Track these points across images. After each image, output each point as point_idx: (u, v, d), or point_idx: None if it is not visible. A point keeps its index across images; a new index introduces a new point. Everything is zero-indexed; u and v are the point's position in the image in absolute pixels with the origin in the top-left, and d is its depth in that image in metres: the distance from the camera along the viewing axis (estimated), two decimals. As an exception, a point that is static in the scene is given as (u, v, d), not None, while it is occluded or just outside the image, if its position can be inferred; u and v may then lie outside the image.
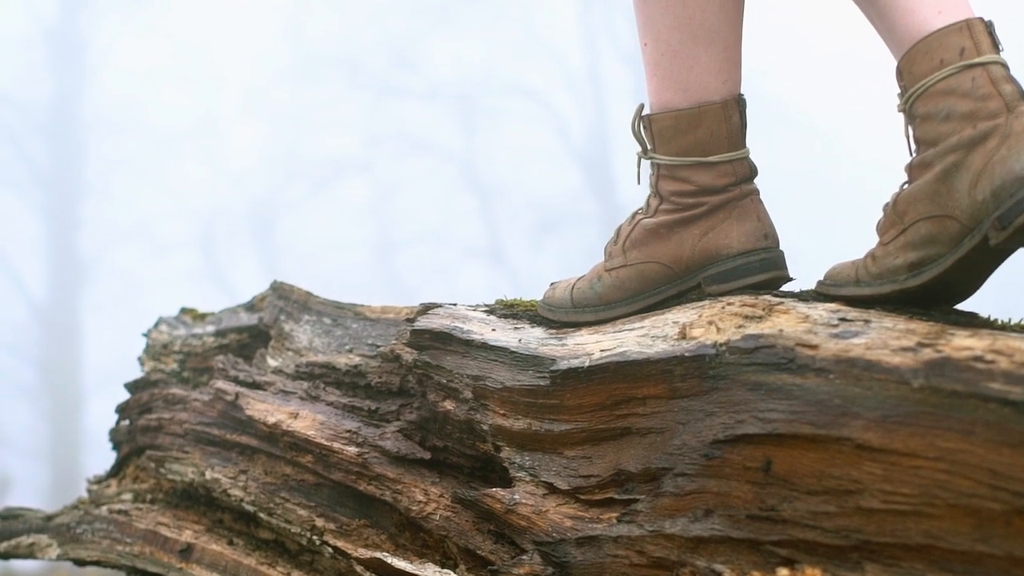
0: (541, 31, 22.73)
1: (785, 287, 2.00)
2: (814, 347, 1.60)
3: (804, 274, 2.04)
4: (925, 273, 1.76)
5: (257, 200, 23.99)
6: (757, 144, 2.10)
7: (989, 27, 1.83)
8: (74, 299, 21.93)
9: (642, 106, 2.08)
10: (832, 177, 21.73)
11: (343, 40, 23.52)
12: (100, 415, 20.64)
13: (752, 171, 2.03)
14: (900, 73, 1.88)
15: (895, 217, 1.83)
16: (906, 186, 1.84)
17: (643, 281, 2.04)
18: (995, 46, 1.82)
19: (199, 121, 24.26)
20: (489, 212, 22.80)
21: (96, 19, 23.24)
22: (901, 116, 1.88)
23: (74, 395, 21.42)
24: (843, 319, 1.66)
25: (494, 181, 22.56)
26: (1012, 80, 1.79)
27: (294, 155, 24.07)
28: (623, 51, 21.51)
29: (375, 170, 24.65)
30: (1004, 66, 1.81)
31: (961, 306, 1.82)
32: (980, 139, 1.73)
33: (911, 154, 1.86)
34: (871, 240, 1.88)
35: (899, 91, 1.89)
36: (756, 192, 2.02)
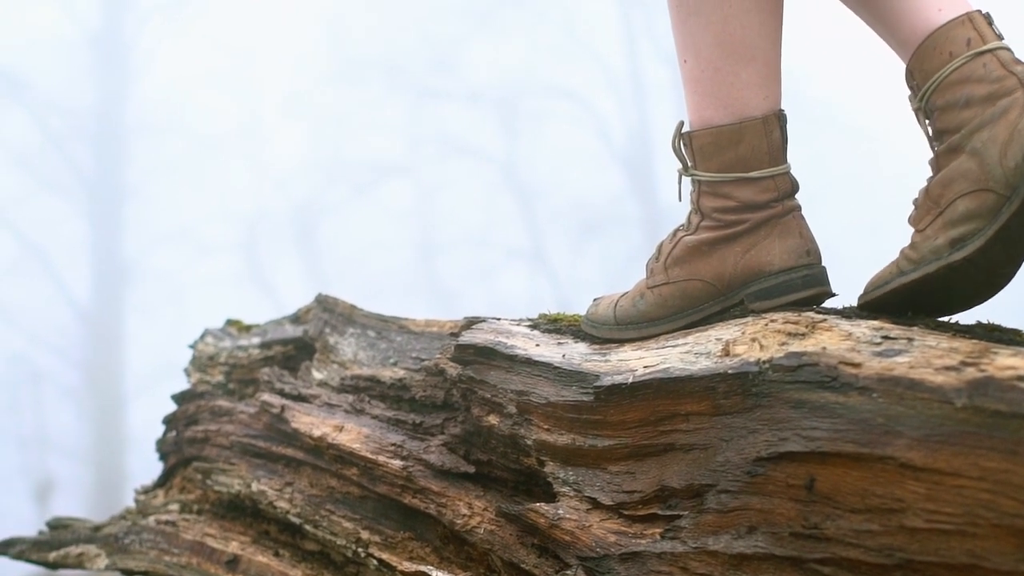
0: (582, 33, 22.71)
1: (828, 303, 2.01)
2: (857, 365, 1.60)
3: (851, 277, 2.04)
4: (969, 246, 1.79)
5: (299, 203, 24.07)
6: (800, 149, 2.11)
7: (988, 18, 1.92)
8: (117, 302, 22.04)
9: (682, 123, 2.09)
10: (877, 178, 21.63)
11: (384, 43, 23.56)
12: (143, 417, 20.81)
13: (794, 186, 2.03)
14: (911, 73, 1.96)
15: (929, 204, 1.88)
16: (933, 179, 1.90)
17: (686, 298, 2.05)
18: (998, 35, 1.90)
19: (241, 125, 24.37)
20: (530, 214, 22.79)
21: (139, 24, 23.37)
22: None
23: (117, 397, 21.53)
24: (886, 337, 1.66)
25: (535, 183, 22.55)
26: (1021, 62, 1.87)
27: (336, 158, 24.13)
28: (663, 52, 21.45)
29: (416, 173, 24.70)
30: (1010, 51, 1.89)
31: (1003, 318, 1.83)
32: (1002, 113, 1.81)
33: (933, 150, 1.93)
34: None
35: (910, 93, 1.97)
36: (798, 208, 2.02)
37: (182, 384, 3.23)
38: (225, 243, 24.02)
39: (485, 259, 23.06)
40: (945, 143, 1.90)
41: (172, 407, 3.14)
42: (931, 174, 1.94)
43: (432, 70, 23.80)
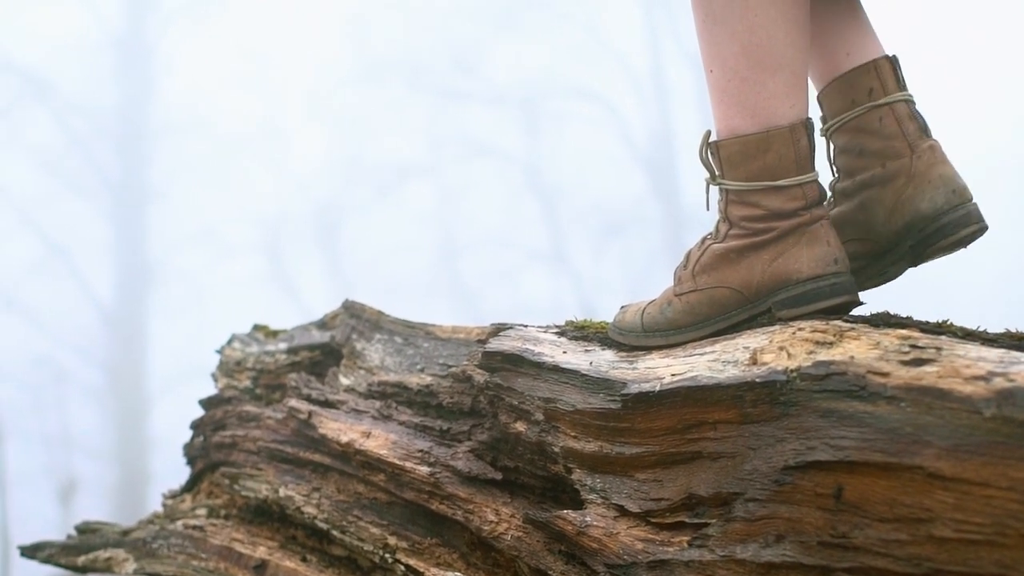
0: (604, 34, 22.72)
1: (855, 311, 2.01)
2: (885, 375, 1.60)
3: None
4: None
5: (321, 204, 24.12)
6: (821, 154, 2.12)
7: (894, 64, 2.17)
8: (141, 303, 22.12)
9: (708, 133, 2.09)
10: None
11: (406, 45, 23.60)
12: (166, 418, 20.87)
13: (822, 194, 2.03)
14: (820, 104, 2.23)
15: None
16: (833, 208, 2.20)
17: (713, 306, 2.05)
18: (900, 84, 2.16)
19: (264, 126, 24.43)
20: (552, 216, 22.80)
21: (163, 26, 23.45)
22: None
23: (140, 398, 21.60)
24: (914, 346, 1.66)
25: (557, 185, 22.57)
26: (916, 117, 2.16)
27: (358, 159, 24.17)
28: (686, 53, 21.44)
29: (438, 174, 24.73)
30: (909, 102, 2.16)
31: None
32: (890, 178, 2.12)
33: (833, 174, 2.24)
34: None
35: (821, 115, 2.24)
36: (826, 217, 2.02)
37: (205, 385, 3.24)
38: (248, 244, 24.08)
39: (507, 260, 23.08)
40: (841, 183, 2.21)
41: (195, 408, 3.15)
42: (831, 195, 2.23)
43: (454, 71, 23.84)
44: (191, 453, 3.08)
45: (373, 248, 23.87)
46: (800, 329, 1.82)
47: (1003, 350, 1.63)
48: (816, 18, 2.19)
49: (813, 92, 2.18)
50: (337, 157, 24.68)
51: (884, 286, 2.18)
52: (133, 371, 21.62)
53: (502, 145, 23.69)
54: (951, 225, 2.07)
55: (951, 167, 2.13)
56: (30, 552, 3.00)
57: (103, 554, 2.84)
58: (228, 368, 3.13)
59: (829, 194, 2.25)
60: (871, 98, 2.15)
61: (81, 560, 2.88)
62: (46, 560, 2.95)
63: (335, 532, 2.48)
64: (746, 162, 2.01)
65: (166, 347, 22.06)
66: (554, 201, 22.83)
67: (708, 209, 2.14)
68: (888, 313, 1.91)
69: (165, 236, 22.97)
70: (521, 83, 23.52)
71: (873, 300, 2.09)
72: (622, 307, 2.24)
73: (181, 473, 3.18)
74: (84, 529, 3.03)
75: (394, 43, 23.66)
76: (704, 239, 2.12)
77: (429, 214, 24.96)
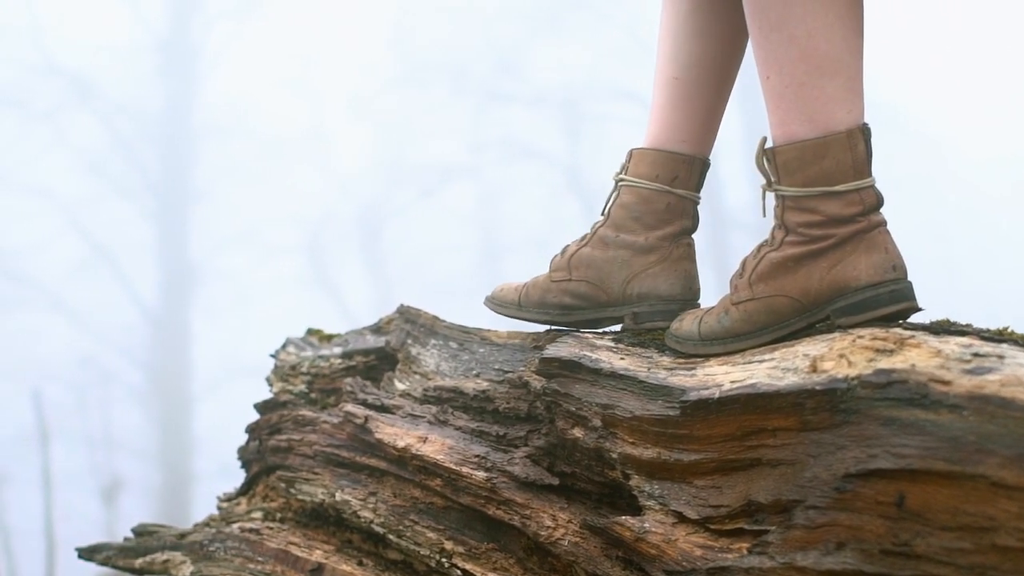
0: (645, 35, 22.63)
1: (914, 318, 2.01)
2: (947, 383, 1.60)
3: (920, 284, 2.05)
4: (573, 315, 2.45)
5: (363, 205, 24.20)
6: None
7: (706, 169, 2.45)
8: (184, 304, 22.26)
9: (764, 139, 2.09)
10: (943, 183, 21.45)
11: (449, 46, 23.63)
12: (209, 417, 20.96)
13: (879, 200, 2.03)
14: (630, 154, 2.47)
15: (565, 263, 2.49)
16: (584, 246, 2.48)
17: (771, 314, 2.05)
18: (699, 186, 2.44)
19: (307, 128, 24.55)
20: (594, 217, 22.63)
21: (206, 28, 23.59)
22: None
23: (183, 398, 21.74)
24: (976, 354, 1.66)
25: (599, 186, 22.49)
26: (693, 216, 2.44)
27: (400, 161, 24.23)
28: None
29: (480, 176, 24.76)
30: (696, 202, 2.45)
31: None
32: (645, 250, 2.40)
33: (602, 214, 2.50)
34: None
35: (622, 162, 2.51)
36: (884, 223, 2.01)
37: (247, 385, 3.26)
38: (290, 245, 24.19)
39: (548, 261, 23.09)
40: (604, 229, 2.47)
41: (238, 407, 3.18)
42: (588, 234, 2.51)
43: (496, 73, 23.86)
44: (245, 456, 3.10)
45: (415, 249, 23.93)
46: (860, 337, 1.82)
47: (1066, 358, 1.63)
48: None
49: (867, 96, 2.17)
50: (379, 158, 24.76)
51: (942, 293, 2.18)
52: (176, 371, 21.76)
53: (543, 146, 23.69)
54: (668, 313, 2.36)
55: (695, 267, 2.45)
56: (88, 554, 3.02)
57: (160, 557, 2.86)
58: (283, 372, 3.14)
59: (594, 229, 2.51)
60: (672, 184, 2.41)
61: (138, 562, 2.90)
62: (104, 562, 2.97)
63: (391, 536, 2.49)
64: (803, 168, 2.01)
65: (209, 347, 22.21)
66: (595, 202, 22.75)
67: (764, 215, 2.14)
68: (948, 320, 1.91)
69: (208, 237, 23.12)
70: (562, 84, 23.52)
71: (933, 307, 2.09)
72: (679, 316, 2.24)
73: (224, 473, 3.21)
74: (141, 531, 3.05)
75: (436, 45, 23.69)
76: (760, 247, 2.12)
77: (471, 215, 25.01)
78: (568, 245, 2.51)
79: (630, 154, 2.46)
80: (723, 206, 20.29)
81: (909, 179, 19.01)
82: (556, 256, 2.52)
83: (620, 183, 2.46)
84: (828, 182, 2.00)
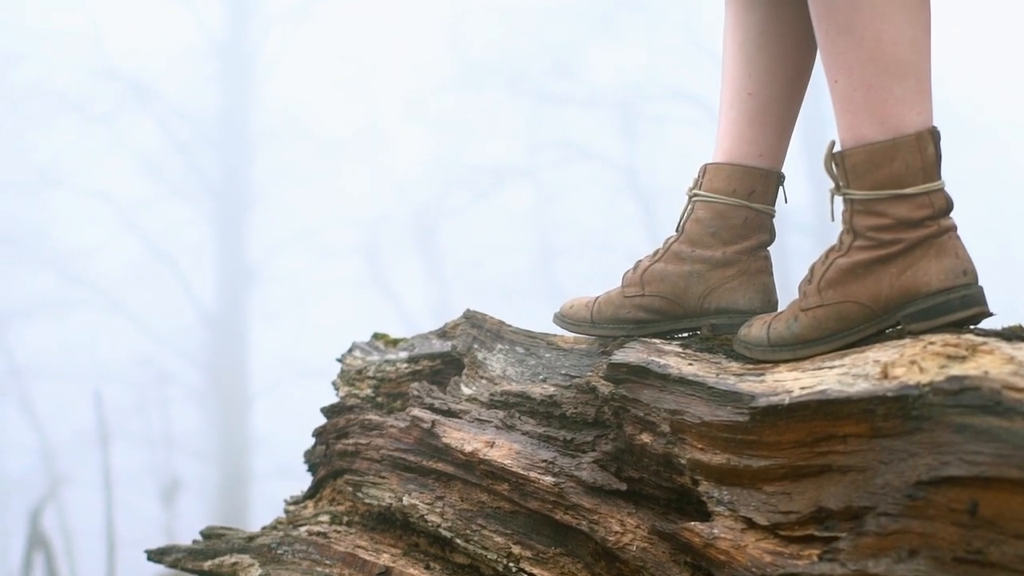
0: (701, 35, 22.57)
1: (985, 324, 2.00)
2: (1021, 390, 1.60)
3: (985, 285, 2.04)
4: (647, 328, 2.44)
5: (420, 207, 24.25)
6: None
7: (781, 181, 2.46)
8: (242, 305, 22.39)
9: (832, 143, 2.09)
10: (999, 179, 21.25)
11: (504, 48, 23.64)
12: (266, 418, 21.07)
13: (949, 204, 2.02)
14: (704, 169, 2.48)
15: (638, 279, 2.46)
16: (658, 262, 2.46)
17: (841, 320, 2.04)
18: (774, 199, 2.46)
19: (363, 130, 24.61)
20: (651, 218, 22.72)
21: (264, 32, 23.72)
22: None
23: (241, 399, 21.86)
24: (1050, 361, 1.66)
25: (655, 187, 22.47)
26: (770, 230, 2.46)
27: (456, 162, 24.27)
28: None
29: (537, 177, 24.76)
30: (772, 216, 2.46)
31: None
32: (722, 264, 2.40)
33: (677, 230, 2.48)
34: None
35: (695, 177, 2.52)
36: (954, 228, 2.01)
37: (305, 386, 3.29)
38: (347, 247, 24.27)
39: (605, 262, 23.01)
40: (677, 244, 2.46)
41: (296, 408, 3.21)
42: (659, 250, 2.49)
43: (552, 74, 23.84)
44: (312, 460, 3.12)
45: (471, 251, 23.95)
46: (931, 343, 1.81)
47: None
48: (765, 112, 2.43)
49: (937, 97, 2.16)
50: (436, 160, 24.81)
51: (1007, 295, 2.18)
52: (234, 372, 21.89)
53: (600, 147, 23.65)
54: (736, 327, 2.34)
55: (773, 279, 2.46)
56: (157, 556, 3.05)
57: (228, 559, 2.88)
58: (349, 376, 3.16)
59: (667, 244, 2.50)
60: (750, 199, 2.42)
61: (207, 565, 2.92)
62: (173, 565, 3.00)
63: (459, 540, 2.50)
64: (872, 171, 2.01)
65: (266, 349, 22.33)
66: (653, 203, 22.74)
67: (832, 220, 2.14)
68: (1020, 326, 1.90)
69: (265, 239, 23.24)
70: (619, 86, 23.48)
71: (1004, 313, 2.08)
72: (747, 322, 2.24)
73: (281, 473, 3.24)
74: (208, 534, 3.07)
75: (492, 47, 23.71)
76: (828, 253, 2.11)
77: (527, 217, 25.00)
78: (640, 260, 2.51)
79: (704, 169, 2.46)
80: (780, 207, 20.16)
81: (972, 177, 18.84)
82: (628, 272, 2.51)
83: (695, 198, 2.46)
84: (897, 185, 1.99)
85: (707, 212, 2.43)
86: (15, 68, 22.50)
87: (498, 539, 2.42)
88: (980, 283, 2.00)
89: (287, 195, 23.40)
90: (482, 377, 2.75)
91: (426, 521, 2.58)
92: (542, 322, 3.07)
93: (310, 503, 3.08)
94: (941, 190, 2.01)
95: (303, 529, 2.88)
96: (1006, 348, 1.73)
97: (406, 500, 2.63)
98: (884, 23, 1.98)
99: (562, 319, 2.61)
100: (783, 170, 2.47)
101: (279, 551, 2.82)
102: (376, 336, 3.30)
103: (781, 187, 2.47)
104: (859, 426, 1.81)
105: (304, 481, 3.22)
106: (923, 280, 1.97)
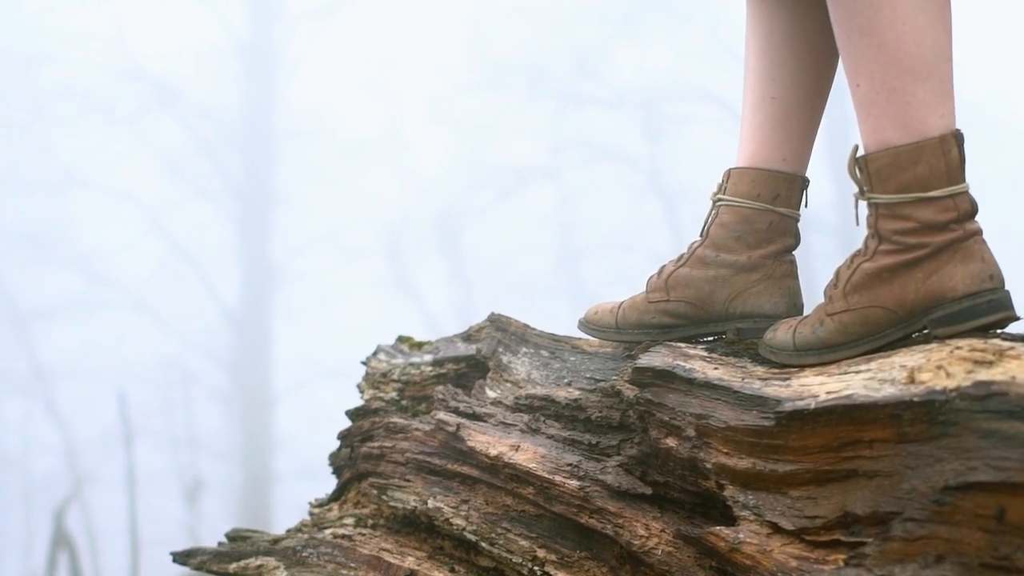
0: (725, 35, 22.54)
1: (1012, 328, 1.99)
2: (1049, 396, 1.59)
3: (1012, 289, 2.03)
4: (673, 333, 2.44)
5: (443, 208, 24.28)
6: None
7: (806, 185, 2.45)
8: (265, 305, 22.45)
9: (856, 147, 2.08)
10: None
11: (528, 48, 23.66)
12: (290, 419, 21.12)
13: (973, 207, 2.01)
14: (727, 174, 2.47)
15: (663, 284, 2.47)
16: (682, 266, 2.46)
17: (867, 325, 2.04)
18: (799, 204, 2.45)
19: (386, 130, 24.68)
20: (675, 219, 22.71)
21: (287, 32, 23.78)
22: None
23: (264, 399, 21.93)
24: (1077, 367, 1.65)
25: (679, 188, 22.45)
26: (795, 235, 2.45)
27: (479, 163, 24.29)
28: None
29: (560, 178, 24.77)
30: (797, 220, 2.45)
31: None
32: (747, 269, 2.39)
33: (701, 235, 2.49)
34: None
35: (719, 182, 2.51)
36: (979, 232, 2.00)
37: (328, 387, 3.29)
38: (369, 247, 24.33)
39: (628, 264, 23.00)
40: (703, 249, 2.45)
41: (319, 409, 3.22)
42: (684, 254, 2.49)
43: (575, 74, 23.84)
44: (337, 463, 3.12)
45: (494, 251, 23.98)
46: (958, 348, 1.80)
47: None
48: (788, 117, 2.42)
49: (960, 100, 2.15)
50: (459, 161, 24.85)
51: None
52: (257, 373, 21.96)
53: (623, 148, 23.65)
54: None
55: (798, 283, 2.45)
56: (182, 558, 3.06)
57: (254, 562, 2.89)
58: (374, 379, 3.16)
59: (691, 249, 2.50)
60: (774, 203, 2.41)
61: (232, 567, 2.93)
62: (198, 567, 3.01)
63: (484, 544, 2.50)
64: (896, 174, 2.00)
65: (289, 349, 22.40)
66: (676, 204, 22.72)
67: (857, 224, 2.14)
68: (1048, 331, 1.90)
69: (289, 239, 23.31)
70: (642, 86, 23.47)
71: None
72: (772, 326, 2.24)
73: (304, 474, 3.24)
74: (234, 536, 3.08)
75: (515, 47, 23.72)
76: (853, 257, 2.11)
77: (550, 217, 25.01)
78: (664, 265, 2.50)
79: (728, 173, 2.45)
80: (803, 209, 20.09)
81: (999, 177, 18.77)
82: (652, 277, 2.50)
83: (719, 203, 2.45)
84: (922, 188, 1.99)
85: (732, 216, 2.42)
86: (41, 70, 22.63)
87: (523, 543, 2.42)
88: (1007, 287, 1.99)
89: (310, 195, 23.47)
90: (507, 380, 2.75)
91: (451, 524, 2.58)
92: (565, 322, 3.07)
93: (335, 506, 3.09)
94: (966, 193, 2.01)
95: (328, 532, 2.89)
96: (1033, 353, 1.73)
97: (431, 503, 2.64)
98: (905, 25, 1.98)
99: (587, 325, 2.61)
100: (807, 174, 2.46)
101: (304, 553, 2.83)
102: (401, 339, 3.30)
103: (805, 191, 2.46)
104: (885, 431, 1.81)
105: (327, 482, 3.22)
106: (949, 285, 1.96)
